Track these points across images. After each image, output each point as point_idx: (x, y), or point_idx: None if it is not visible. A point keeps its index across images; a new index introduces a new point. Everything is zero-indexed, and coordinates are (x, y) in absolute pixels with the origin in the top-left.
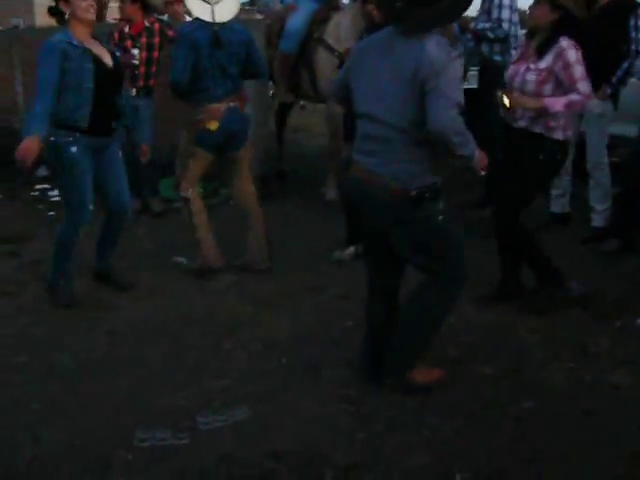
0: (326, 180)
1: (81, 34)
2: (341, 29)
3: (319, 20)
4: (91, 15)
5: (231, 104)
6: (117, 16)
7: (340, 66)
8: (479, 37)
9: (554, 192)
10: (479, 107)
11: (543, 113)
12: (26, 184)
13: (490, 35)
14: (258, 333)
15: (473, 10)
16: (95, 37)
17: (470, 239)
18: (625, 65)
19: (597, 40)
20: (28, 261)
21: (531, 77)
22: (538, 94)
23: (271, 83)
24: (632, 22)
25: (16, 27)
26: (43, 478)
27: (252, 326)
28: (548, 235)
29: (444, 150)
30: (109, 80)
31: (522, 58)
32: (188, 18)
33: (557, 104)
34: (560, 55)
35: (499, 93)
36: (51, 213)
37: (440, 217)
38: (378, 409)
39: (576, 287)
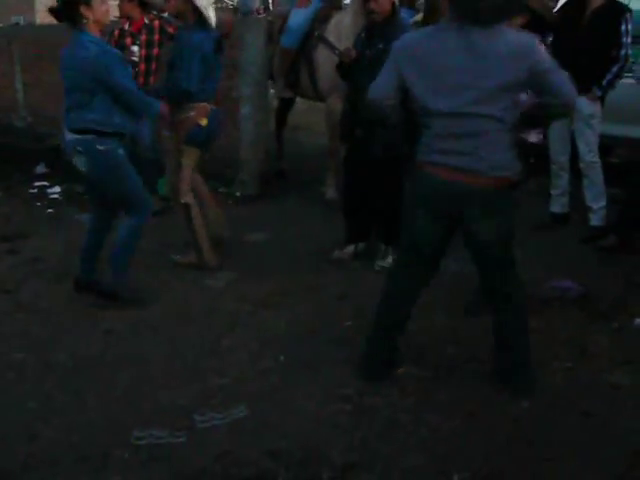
0: (326, 179)
1: (97, 36)
2: (342, 27)
3: (321, 18)
4: (109, 19)
5: (212, 105)
6: (117, 14)
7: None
8: None
9: (553, 192)
10: None
11: None
12: (25, 181)
13: None
14: (256, 332)
15: None
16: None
17: None
18: (614, 69)
19: (588, 43)
20: (26, 258)
21: None
22: None
23: (270, 82)
24: (623, 27)
25: (17, 24)
26: (39, 476)
27: (250, 325)
28: (547, 235)
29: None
30: None
31: None
32: None
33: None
34: None
35: None
36: (50, 210)
37: None
38: (376, 408)
39: (574, 287)
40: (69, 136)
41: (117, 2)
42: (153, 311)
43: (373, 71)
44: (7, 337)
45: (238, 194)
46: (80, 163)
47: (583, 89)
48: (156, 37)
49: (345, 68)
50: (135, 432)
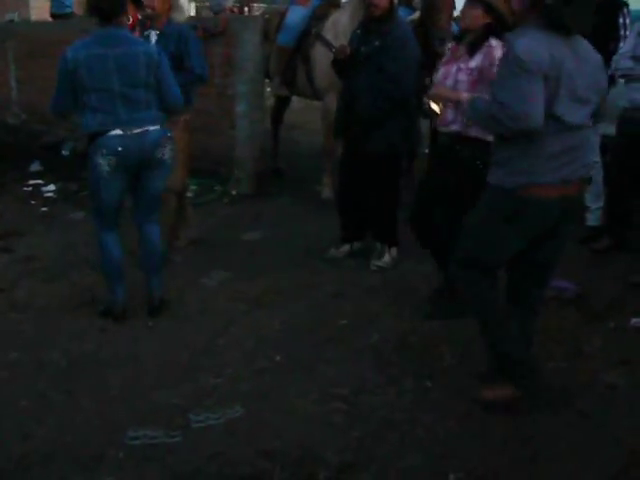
0: (321, 178)
1: None
2: (339, 26)
3: (319, 16)
4: None
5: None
6: None
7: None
8: None
9: None
10: None
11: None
12: (19, 179)
13: None
14: (251, 331)
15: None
16: None
17: None
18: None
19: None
20: (21, 257)
21: (463, 77)
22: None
23: (267, 80)
24: (621, 20)
25: (11, 21)
26: (32, 476)
27: (245, 324)
28: None
29: None
30: None
31: (451, 60)
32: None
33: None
34: (488, 54)
35: (426, 100)
36: (44, 209)
37: None
38: (372, 408)
39: (571, 287)
40: (152, 126)
41: None
42: (147, 311)
43: (368, 68)
44: (0, 336)
45: (234, 192)
46: (159, 154)
47: None
48: None
49: (340, 65)
50: (129, 432)
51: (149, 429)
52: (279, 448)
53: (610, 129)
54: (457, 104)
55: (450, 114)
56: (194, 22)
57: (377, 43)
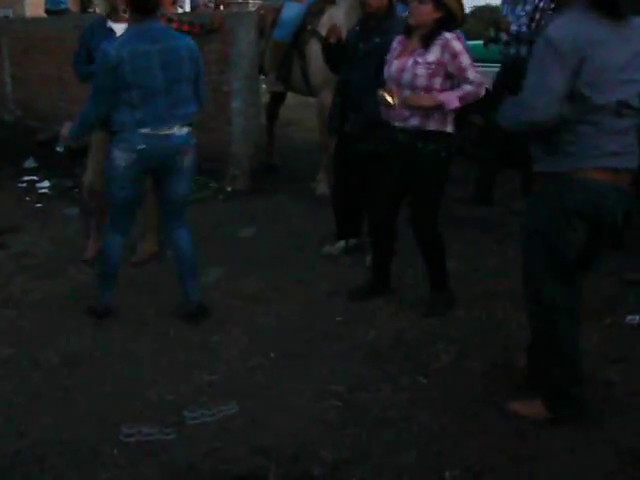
0: (317, 175)
1: None
2: (335, 22)
3: (314, 12)
4: None
5: None
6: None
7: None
8: (520, 40)
9: None
10: None
11: (438, 109)
12: (14, 175)
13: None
14: (247, 328)
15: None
16: None
17: (459, 235)
18: None
19: None
20: (15, 253)
21: (421, 71)
22: (429, 88)
23: (262, 77)
24: None
25: (6, 17)
26: (27, 474)
27: (240, 321)
28: None
29: None
30: None
31: (403, 54)
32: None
33: (453, 100)
34: (446, 46)
35: (380, 92)
36: (39, 205)
37: None
38: (367, 405)
39: None
40: (178, 130)
41: None
42: (142, 307)
43: (367, 65)
44: None
45: (229, 189)
46: (183, 161)
47: None
48: None
49: (331, 51)
50: (124, 429)
51: (144, 426)
52: (274, 445)
53: None
54: (438, 107)
55: (406, 109)
56: (190, 19)
57: (377, 40)
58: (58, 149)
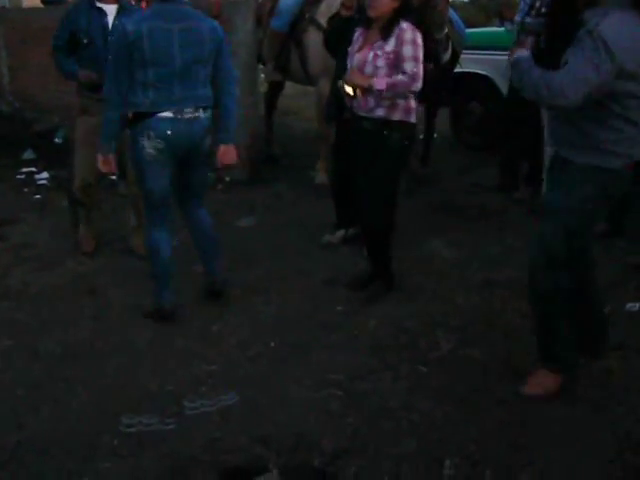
0: (315, 164)
1: None
2: (333, 10)
3: (312, 1)
4: None
5: None
6: None
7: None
8: (528, 31)
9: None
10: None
11: (370, 91)
12: (12, 167)
13: (541, 30)
14: (246, 317)
15: None
16: None
17: (459, 223)
18: None
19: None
20: (14, 245)
21: (381, 63)
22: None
23: (261, 66)
24: None
25: (2, 7)
26: (27, 465)
27: (240, 310)
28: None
29: None
30: None
31: (364, 46)
32: None
33: (382, 83)
34: (399, 36)
35: (340, 83)
36: (37, 196)
37: None
38: (367, 394)
39: None
40: (203, 113)
41: None
42: (141, 297)
43: None
44: None
45: (227, 179)
46: (206, 145)
47: None
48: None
49: (340, 25)
50: (124, 419)
51: (144, 416)
52: (274, 435)
53: None
54: (368, 90)
55: (372, 100)
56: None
57: None
58: (57, 140)
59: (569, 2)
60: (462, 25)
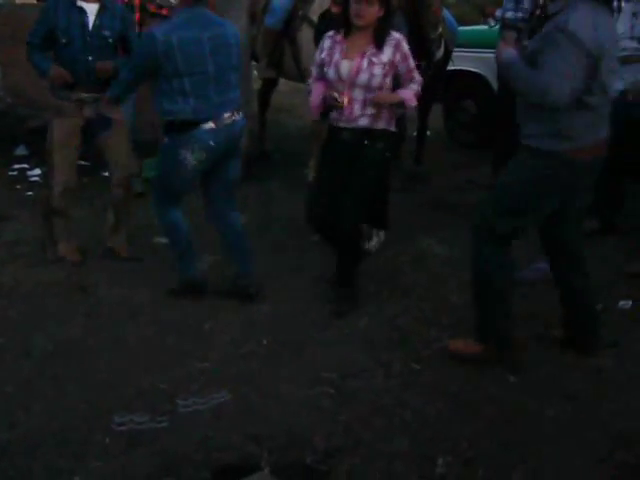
0: (309, 161)
1: None
2: (325, 7)
3: None
4: None
5: None
6: None
7: None
8: (507, 26)
9: None
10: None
11: (392, 108)
12: (4, 163)
13: (520, 25)
14: (239, 314)
15: None
16: None
17: (451, 220)
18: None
19: None
20: (6, 242)
21: (377, 71)
22: (382, 87)
23: (254, 63)
24: (615, 4)
25: None
26: (18, 463)
27: (233, 307)
28: None
29: None
30: None
31: (350, 54)
32: None
33: (412, 98)
34: (398, 47)
35: (334, 94)
36: (30, 193)
37: None
38: (360, 392)
39: None
40: (239, 115)
41: None
42: (134, 295)
43: None
44: None
45: None
46: (241, 142)
47: None
48: (136, 16)
49: (331, 23)
50: (116, 417)
51: (136, 414)
52: (266, 433)
53: None
54: (399, 104)
55: (357, 110)
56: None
57: None
58: None
59: None
60: (454, 23)
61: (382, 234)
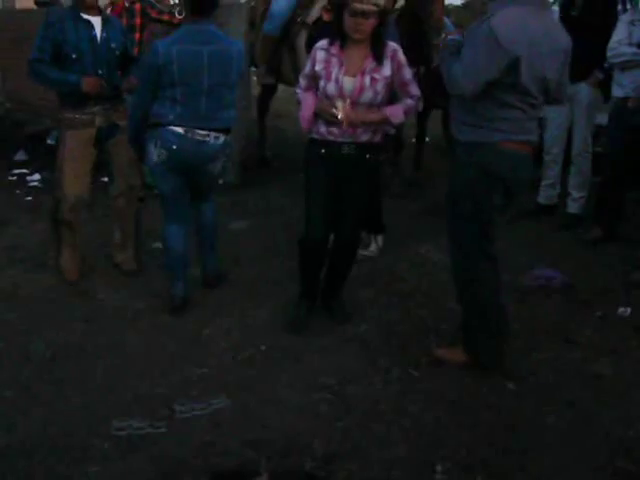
0: None
1: None
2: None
3: (304, 4)
4: None
5: None
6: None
7: None
8: None
9: (544, 182)
10: None
11: (382, 123)
12: (4, 168)
13: None
14: (238, 320)
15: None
16: None
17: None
18: None
19: (587, 26)
20: (5, 246)
21: (381, 88)
22: (384, 103)
23: (253, 69)
24: (620, 7)
25: None
26: (16, 468)
27: (231, 313)
28: (532, 224)
29: None
30: None
31: (351, 70)
32: None
33: (399, 114)
34: (394, 57)
35: (335, 111)
36: (29, 198)
37: None
38: (358, 398)
39: (558, 277)
40: (214, 138)
41: None
42: (133, 299)
43: None
44: None
45: (220, 182)
46: (216, 168)
47: (582, 74)
48: (137, 21)
49: (322, 29)
50: (114, 422)
51: (134, 420)
52: (265, 438)
53: (605, 119)
54: (382, 122)
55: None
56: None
57: None
58: (49, 141)
59: None
60: (452, 29)
61: (380, 240)
